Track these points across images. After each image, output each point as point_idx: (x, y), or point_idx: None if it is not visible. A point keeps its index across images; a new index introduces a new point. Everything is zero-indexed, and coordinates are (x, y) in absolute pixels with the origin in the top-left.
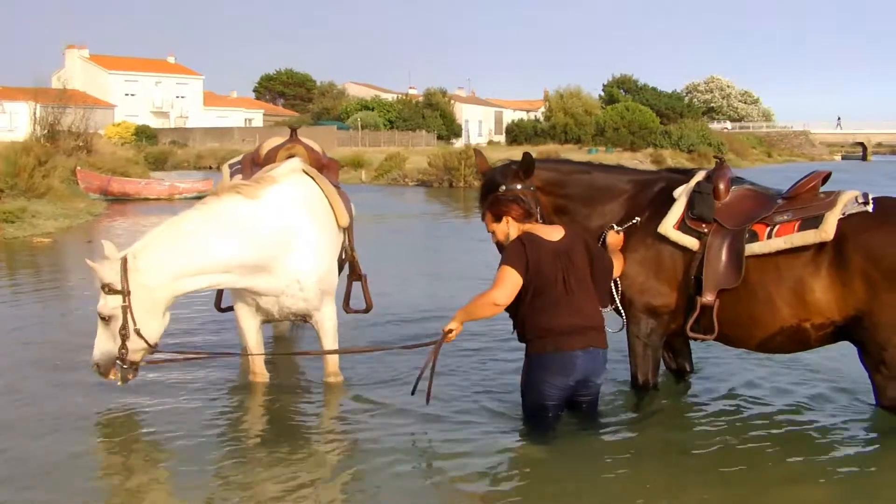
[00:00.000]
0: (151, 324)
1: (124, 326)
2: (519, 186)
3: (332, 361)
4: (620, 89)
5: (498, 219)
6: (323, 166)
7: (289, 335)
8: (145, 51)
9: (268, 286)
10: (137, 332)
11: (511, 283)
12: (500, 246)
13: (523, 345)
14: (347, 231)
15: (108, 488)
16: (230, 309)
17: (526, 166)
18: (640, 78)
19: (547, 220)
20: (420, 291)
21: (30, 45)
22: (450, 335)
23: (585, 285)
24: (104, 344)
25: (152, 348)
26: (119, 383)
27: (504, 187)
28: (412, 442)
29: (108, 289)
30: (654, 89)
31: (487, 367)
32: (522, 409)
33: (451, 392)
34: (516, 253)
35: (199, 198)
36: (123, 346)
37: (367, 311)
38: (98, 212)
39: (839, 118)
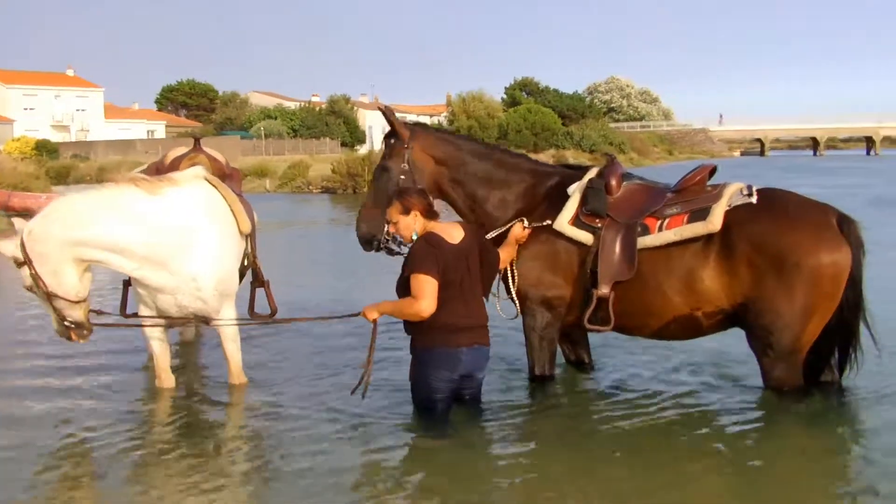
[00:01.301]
0: (63, 283)
1: (43, 291)
2: (392, 140)
3: (236, 364)
4: (523, 91)
5: (406, 212)
6: (226, 175)
7: (194, 340)
8: (43, 64)
9: (161, 282)
10: (53, 294)
11: (432, 291)
12: (380, 244)
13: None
14: (250, 238)
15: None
16: (135, 315)
17: (409, 122)
18: (541, 80)
19: (435, 195)
20: (327, 295)
21: None
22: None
23: (476, 285)
24: (49, 312)
25: (78, 303)
26: (81, 340)
27: (385, 139)
28: (311, 441)
29: (17, 263)
30: (555, 91)
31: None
32: (413, 402)
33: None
34: (428, 258)
35: None
36: (52, 306)
37: (271, 315)
38: (0, 227)
39: (721, 115)
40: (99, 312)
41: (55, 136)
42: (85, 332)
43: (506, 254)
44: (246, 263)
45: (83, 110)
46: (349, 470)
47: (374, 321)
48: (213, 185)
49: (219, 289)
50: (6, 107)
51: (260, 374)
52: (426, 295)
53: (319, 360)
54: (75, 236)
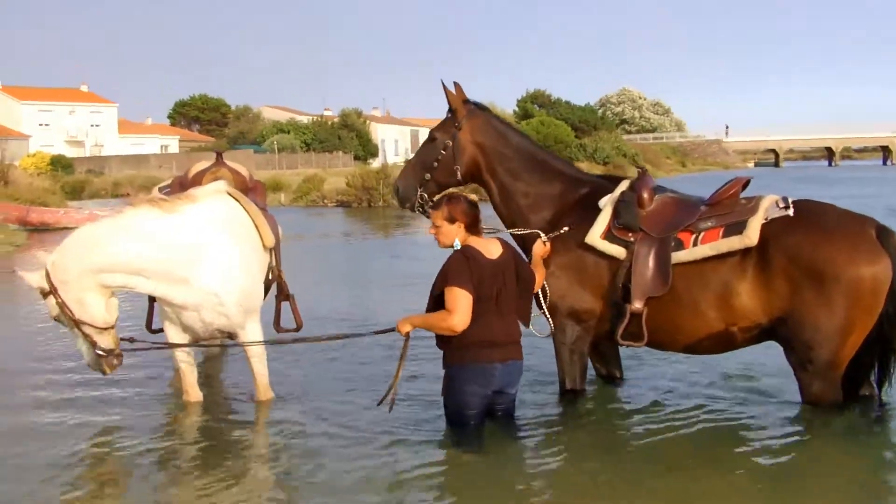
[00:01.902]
0: (89, 310)
1: (71, 319)
2: (449, 115)
3: (263, 379)
4: (535, 104)
5: (451, 220)
6: (248, 189)
7: (220, 354)
8: (58, 80)
9: (184, 299)
10: (80, 321)
11: (467, 306)
12: (413, 206)
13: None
14: (274, 251)
15: None
16: (161, 331)
17: (468, 101)
18: (553, 92)
19: (469, 179)
20: (348, 309)
21: None
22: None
23: (511, 301)
24: (79, 343)
25: (106, 330)
26: (111, 370)
27: (448, 115)
28: (339, 456)
29: (43, 293)
30: (567, 103)
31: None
32: (445, 417)
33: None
34: (464, 272)
35: None
36: (83, 335)
37: (297, 330)
38: (19, 242)
39: (727, 126)
40: (131, 340)
41: (70, 152)
42: (115, 361)
43: (539, 274)
44: (270, 277)
45: (97, 126)
46: (379, 486)
47: (407, 334)
48: (236, 199)
49: (242, 304)
50: (21, 123)
51: (286, 388)
52: (460, 309)
53: (347, 373)
54: (94, 263)
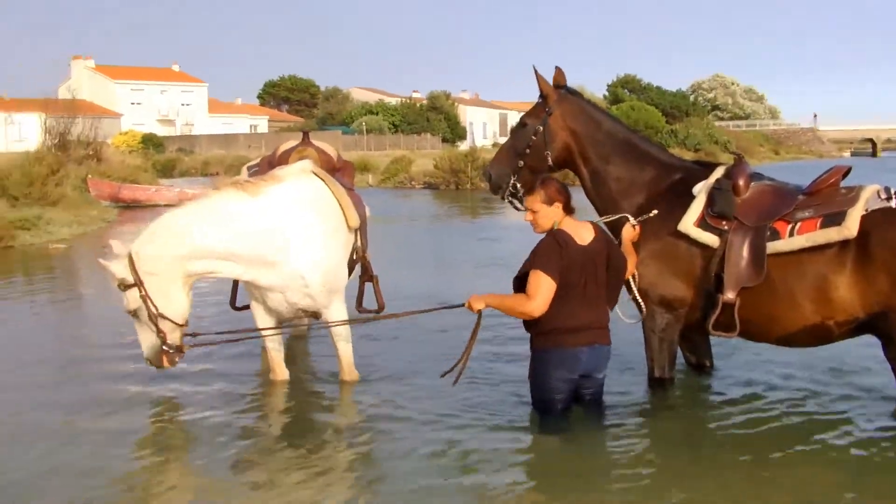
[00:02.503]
0: (172, 305)
1: (150, 314)
2: (540, 100)
3: (347, 359)
4: (625, 89)
5: (550, 202)
6: (336, 169)
7: (307, 336)
8: (150, 60)
9: (271, 281)
10: (161, 316)
11: (548, 292)
12: (504, 194)
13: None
14: (359, 232)
15: (110, 497)
16: (245, 308)
17: (560, 85)
18: (644, 77)
19: (561, 164)
20: (432, 290)
21: (37, 57)
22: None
23: (600, 286)
24: (145, 337)
25: (182, 326)
26: (171, 366)
27: (539, 100)
28: (426, 437)
29: (124, 285)
30: (658, 88)
31: (497, 357)
32: (532, 402)
33: (466, 385)
34: (553, 257)
35: None
36: (159, 330)
37: (379, 311)
38: (110, 218)
39: (815, 115)
40: (194, 335)
41: (161, 131)
42: (177, 357)
43: (630, 261)
44: (355, 257)
45: (188, 105)
46: (459, 468)
47: (479, 312)
48: (321, 179)
49: (326, 284)
50: (114, 102)
51: (369, 369)
52: (540, 295)
53: (432, 354)
54: (182, 250)
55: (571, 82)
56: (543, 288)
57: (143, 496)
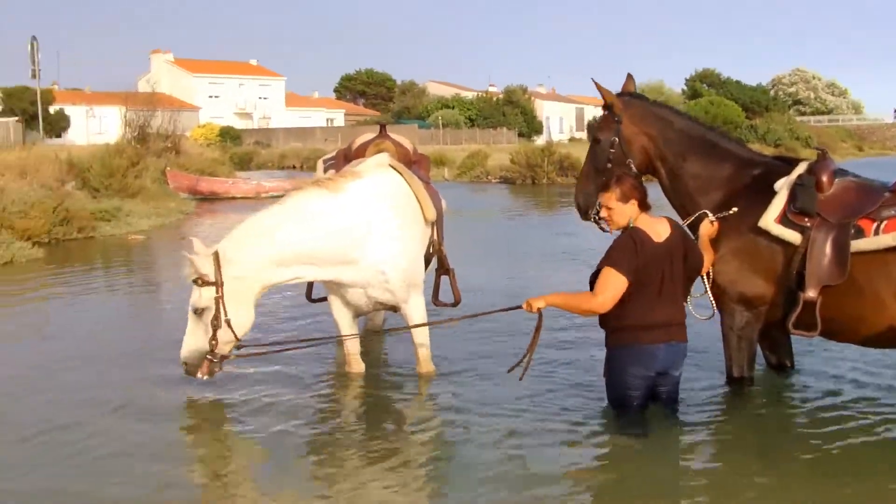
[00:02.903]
0: (241, 315)
1: (217, 317)
2: (605, 112)
3: (424, 352)
4: (703, 83)
5: (625, 199)
6: (412, 162)
7: (383, 329)
8: (228, 54)
9: (353, 278)
10: (228, 323)
11: (617, 289)
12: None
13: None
14: (436, 225)
15: (191, 480)
16: (321, 300)
17: (625, 91)
18: (723, 71)
19: (644, 169)
20: (507, 283)
21: (117, 50)
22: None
23: (677, 283)
24: (195, 339)
25: (238, 340)
26: (205, 377)
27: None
28: (500, 433)
29: (202, 281)
30: (738, 83)
31: (570, 352)
32: (607, 398)
33: (536, 381)
34: (627, 255)
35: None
36: (214, 336)
37: (455, 304)
38: (188, 210)
39: (895, 110)
40: (238, 347)
41: (238, 124)
42: (218, 368)
43: (707, 256)
44: (431, 251)
45: (265, 98)
46: (533, 465)
47: (539, 311)
48: (398, 172)
49: (406, 279)
50: (193, 95)
51: (445, 363)
52: (607, 291)
53: (510, 350)
54: (269, 254)
55: (650, 76)
56: (611, 285)
57: (220, 484)
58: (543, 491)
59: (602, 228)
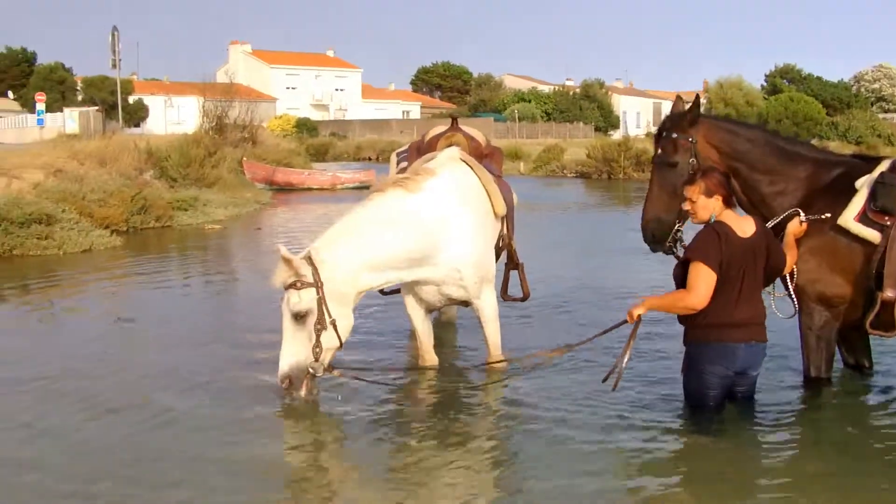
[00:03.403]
0: (343, 317)
1: (320, 320)
2: (675, 136)
3: (495, 346)
4: (784, 79)
5: (709, 194)
6: (484, 155)
7: (456, 323)
8: (305, 45)
9: (430, 276)
10: (333, 324)
11: (709, 284)
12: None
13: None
14: (506, 220)
15: (264, 457)
16: (394, 292)
17: (690, 116)
18: (804, 67)
19: None
20: (581, 278)
21: (196, 42)
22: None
23: (757, 282)
24: (297, 348)
25: (342, 346)
26: (304, 395)
27: (665, 133)
28: (569, 425)
29: (301, 283)
30: (819, 79)
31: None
32: (684, 396)
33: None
34: (713, 248)
35: (359, 188)
36: (318, 343)
37: (524, 299)
38: (264, 201)
39: None
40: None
41: (314, 115)
42: (313, 384)
43: (791, 256)
44: (501, 245)
45: (342, 90)
46: (601, 459)
47: (639, 318)
48: (469, 166)
49: (479, 275)
50: (270, 86)
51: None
52: (701, 286)
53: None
54: (363, 257)
55: (728, 72)
56: (703, 280)
57: (294, 479)
58: (612, 484)
59: (677, 257)
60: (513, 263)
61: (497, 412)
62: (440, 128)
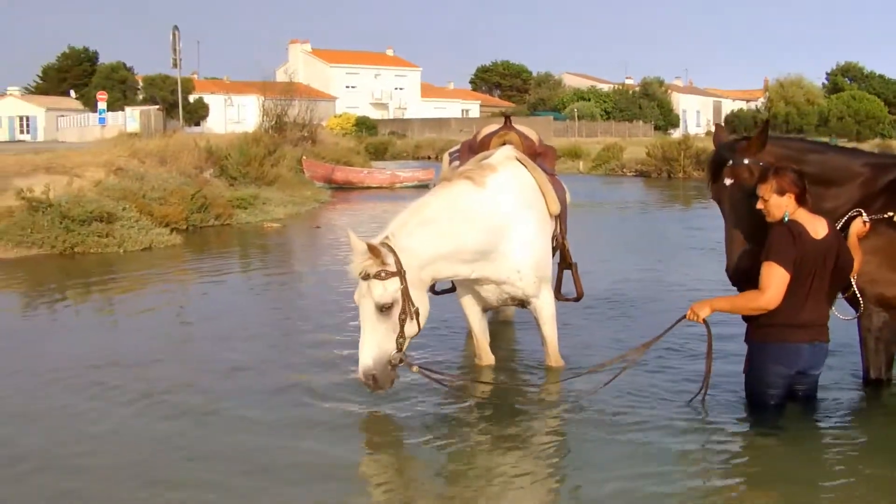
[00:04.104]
0: (423, 306)
1: (405, 310)
2: (746, 161)
3: (553, 345)
4: (845, 77)
5: (781, 192)
6: (537, 154)
7: (513, 320)
8: (365, 44)
9: (491, 274)
10: (416, 314)
11: (782, 283)
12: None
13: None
14: (559, 219)
15: (326, 451)
16: (446, 291)
17: (762, 139)
18: (866, 65)
19: None
20: (639, 274)
21: (256, 40)
22: (697, 318)
23: (824, 283)
24: (381, 340)
25: (419, 332)
26: (386, 387)
27: (732, 161)
28: (629, 422)
29: (385, 272)
30: (881, 77)
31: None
32: (746, 396)
33: (668, 373)
34: (787, 247)
35: (418, 187)
36: (402, 333)
37: (578, 298)
38: (323, 199)
39: None
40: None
41: (374, 114)
42: (394, 375)
43: (857, 257)
44: (554, 244)
45: (401, 89)
46: (664, 464)
47: (706, 322)
48: (524, 165)
49: (537, 274)
50: (330, 85)
51: (575, 358)
52: (774, 286)
53: (643, 339)
54: (437, 245)
55: (789, 70)
56: (776, 278)
57: (351, 477)
58: (673, 488)
59: None
60: (566, 263)
61: (554, 413)
62: (493, 126)
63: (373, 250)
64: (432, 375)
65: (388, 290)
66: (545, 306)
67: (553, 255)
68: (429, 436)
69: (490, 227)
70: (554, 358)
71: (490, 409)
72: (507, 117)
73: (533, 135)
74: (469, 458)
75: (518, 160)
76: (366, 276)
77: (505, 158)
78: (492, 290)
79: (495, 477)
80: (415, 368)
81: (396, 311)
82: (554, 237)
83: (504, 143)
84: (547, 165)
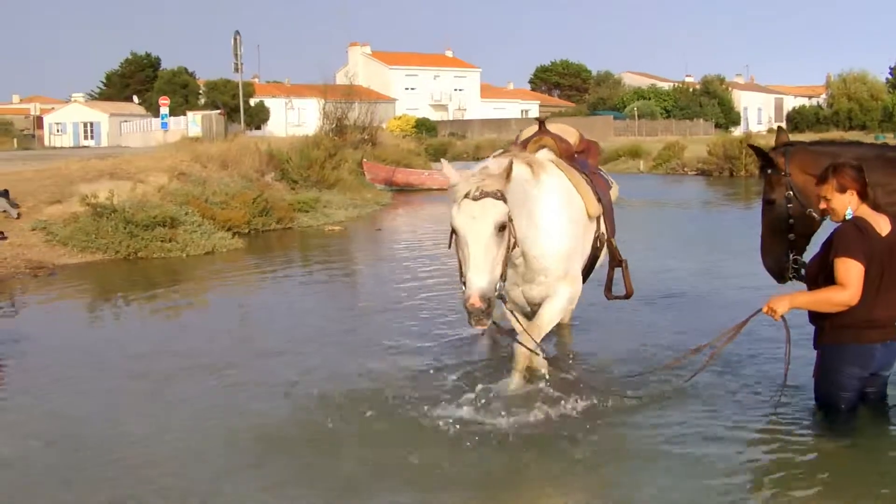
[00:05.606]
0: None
1: (513, 234)
2: (769, 171)
3: (540, 326)
4: None
5: (843, 190)
6: (575, 153)
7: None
8: (424, 46)
9: (520, 264)
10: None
11: (859, 279)
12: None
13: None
14: (603, 218)
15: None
16: (622, 297)
17: (780, 145)
18: None
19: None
20: (697, 273)
21: (316, 44)
22: (775, 315)
23: (893, 280)
24: (493, 266)
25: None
26: (488, 321)
27: (760, 170)
28: (690, 426)
29: (500, 193)
30: None
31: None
32: (815, 399)
33: (729, 377)
34: (859, 242)
35: None
36: (506, 261)
37: (627, 297)
38: (384, 202)
39: None
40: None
41: (433, 115)
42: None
43: None
44: (598, 245)
45: (460, 90)
46: (722, 462)
47: (784, 319)
48: (560, 169)
49: (558, 275)
50: (389, 87)
51: (628, 357)
52: (853, 282)
53: (698, 341)
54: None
55: (852, 65)
56: (854, 273)
57: (380, 475)
58: (743, 496)
59: (800, 279)
60: (615, 261)
61: (606, 417)
62: (529, 130)
63: (508, 170)
64: (504, 329)
65: (504, 210)
66: (560, 293)
67: (599, 256)
68: (466, 441)
69: (533, 223)
70: (537, 333)
71: (522, 401)
72: (542, 122)
73: (571, 135)
74: (494, 443)
75: (553, 164)
76: (479, 196)
77: (544, 162)
78: (517, 294)
79: (533, 482)
80: (508, 305)
81: (506, 235)
82: (597, 238)
83: (540, 148)
84: (590, 161)
